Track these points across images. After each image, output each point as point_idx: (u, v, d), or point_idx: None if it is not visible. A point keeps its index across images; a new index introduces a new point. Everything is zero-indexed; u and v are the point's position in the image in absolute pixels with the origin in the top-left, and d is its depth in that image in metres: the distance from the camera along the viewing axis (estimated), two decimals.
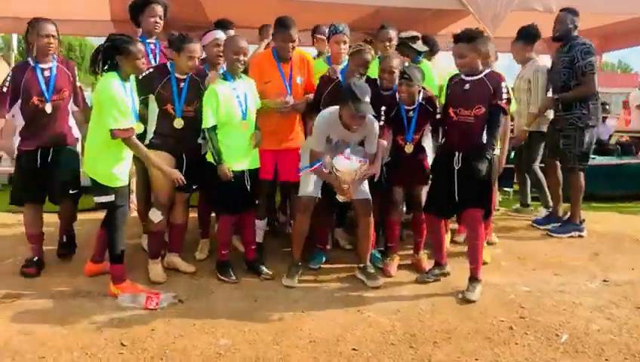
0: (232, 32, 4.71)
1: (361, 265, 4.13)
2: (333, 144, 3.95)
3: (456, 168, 3.85)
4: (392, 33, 4.72)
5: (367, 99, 3.72)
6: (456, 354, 3.06)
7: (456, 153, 3.85)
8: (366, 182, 4.05)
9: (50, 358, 2.91)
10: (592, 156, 7.00)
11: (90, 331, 3.20)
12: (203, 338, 3.15)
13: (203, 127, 3.84)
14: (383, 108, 4.09)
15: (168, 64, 3.96)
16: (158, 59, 4.31)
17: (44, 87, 3.90)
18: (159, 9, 4.25)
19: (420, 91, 4.09)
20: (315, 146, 3.97)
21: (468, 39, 3.76)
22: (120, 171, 3.64)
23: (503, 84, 3.75)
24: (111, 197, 3.62)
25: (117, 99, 3.46)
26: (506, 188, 7.16)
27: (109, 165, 3.59)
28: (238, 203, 4.02)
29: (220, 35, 4.31)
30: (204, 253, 4.54)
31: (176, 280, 4.02)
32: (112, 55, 3.54)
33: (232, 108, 3.88)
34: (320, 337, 3.21)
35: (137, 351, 3.00)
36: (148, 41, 4.26)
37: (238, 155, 3.95)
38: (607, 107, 10.26)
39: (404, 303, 3.73)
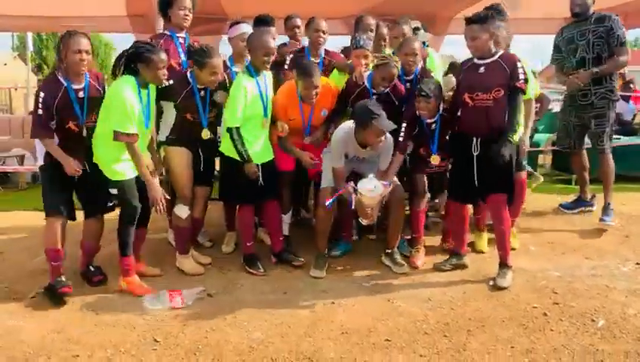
0: (273, 29, 4.56)
1: (388, 251, 4.12)
2: (349, 159, 4.00)
3: (475, 154, 3.81)
4: (406, 29, 4.61)
5: (384, 114, 3.74)
6: (491, 343, 3.02)
7: (474, 139, 3.80)
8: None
9: (84, 356, 2.91)
10: (617, 136, 6.91)
11: (123, 328, 3.21)
12: (235, 333, 3.14)
13: (230, 125, 3.83)
14: (404, 125, 4.04)
15: (189, 75, 3.92)
16: (187, 53, 4.24)
17: (78, 111, 3.59)
18: (188, 2, 4.17)
19: (439, 103, 4.01)
20: (334, 163, 3.96)
21: (479, 20, 3.67)
22: (122, 167, 3.62)
23: (519, 65, 3.68)
24: (114, 191, 3.64)
25: (126, 103, 3.46)
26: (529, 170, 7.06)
27: (111, 160, 3.60)
28: (254, 192, 4.00)
29: (248, 29, 4.28)
30: (230, 246, 4.54)
31: (206, 274, 4.02)
32: (134, 61, 3.55)
33: (256, 105, 3.89)
34: (352, 328, 3.19)
35: (171, 346, 3.00)
36: (177, 35, 4.21)
37: (255, 150, 3.95)
38: (631, 86, 10.05)
39: (435, 291, 3.69)
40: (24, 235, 4.92)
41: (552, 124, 7.94)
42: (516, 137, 3.74)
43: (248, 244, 4.11)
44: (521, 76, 3.66)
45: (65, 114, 3.53)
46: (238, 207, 4.22)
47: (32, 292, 3.64)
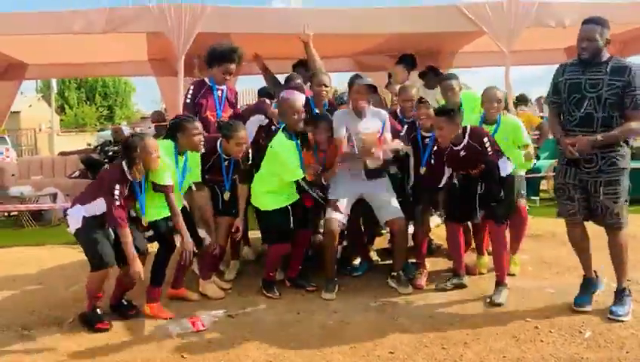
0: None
1: (394, 273, 4.46)
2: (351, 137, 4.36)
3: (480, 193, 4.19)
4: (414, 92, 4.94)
5: (369, 80, 4.33)
6: (484, 353, 3.33)
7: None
8: (396, 203, 4.41)
9: None
10: None
11: (152, 345, 3.57)
12: (254, 348, 3.48)
13: (295, 178, 4.27)
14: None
15: (218, 144, 4.33)
16: (223, 106, 4.71)
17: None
18: (233, 67, 4.61)
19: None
20: (337, 134, 4.38)
21: (446, 113, 4.04)
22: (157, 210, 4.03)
23: (485, 140, 4.05)
24: (150, 232, 4.06)
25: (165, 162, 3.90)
26: (533, 197, 7.37)
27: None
28: (287, 233, 4.38)
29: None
30: (232, 273, 4.88)
31: (227, 298, 4.39)
32: (173, 131, 4.04)
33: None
34: (359, 343, 3.52)
35: (197, 361, 3.36)
36: (217, 87, 4.66)
37: (286, 197, 4.39)
38: None
39: (437, 309, 4.01)
40: (60, 266, 5.34)
41: (554, 149, 8.24)
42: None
43: (271, 274, 4.46)
44: (489, 150, 4.03)
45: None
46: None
47: (71, 318, 4.01)
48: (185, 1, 5.68)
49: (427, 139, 4.48)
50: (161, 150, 3.86)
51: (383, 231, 5.60)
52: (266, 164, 4.35)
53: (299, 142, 4.38)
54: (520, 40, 6.19)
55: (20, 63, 8.18)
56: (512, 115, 4.98)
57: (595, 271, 4.02)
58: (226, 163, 4.41)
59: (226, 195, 4.47)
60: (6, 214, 7.60)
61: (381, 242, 5.68)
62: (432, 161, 4.42)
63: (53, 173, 8.59)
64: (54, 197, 7.41)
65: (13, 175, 8.27)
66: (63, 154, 9.32)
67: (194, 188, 4.33)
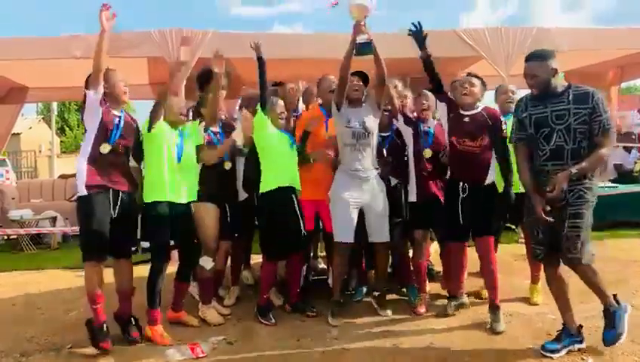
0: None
1: (375, 294, 4.53)
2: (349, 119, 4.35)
3: (462, 196, 4.17)
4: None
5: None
6: None
7: (461, 183, 4.18)
8: (387, 226, 4.38)
9: None
10: (614, 185, 7.24)
11: None
12: None
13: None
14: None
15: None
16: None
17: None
18: (224, 81, 4.66)
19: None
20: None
21: (476, 75, 4.30)
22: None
23: (503, 118, 4.24)
24: (146, 244, 4.04)
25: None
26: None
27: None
28: (287, 246, 4.35)
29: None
30: (232, 299, 4.87)
31: (226, 324, 4.35)
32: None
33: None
34: None
35: None
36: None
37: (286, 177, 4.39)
38: (633, 136, 10.32)
39: (438, 335, 3.99)
40: (59, 291, 5.32)
41: None
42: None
43: (264, 296, 4.43)
44: (504, 126, 4.15)
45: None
46: (262, 262, 4.52)
47: (69, 344, 3.98)
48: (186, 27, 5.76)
49: (428, 128, 4.58)
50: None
51: None
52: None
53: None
54: (517, 64, 6.26)
55: (22, 87, 8.27)
56: None
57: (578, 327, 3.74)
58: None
59: (227, 165, 4.52)
60: (5, 237, 7.59)
61: None
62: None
63: (53, 197, 8.60)
64: (54, 220, 7.40)
65: (13, 198, 8.28)
66: (63, 177, 9.33)
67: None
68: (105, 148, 3.81)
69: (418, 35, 4.30)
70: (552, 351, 3.57)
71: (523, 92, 4.87)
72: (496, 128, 4.14)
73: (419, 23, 4.29)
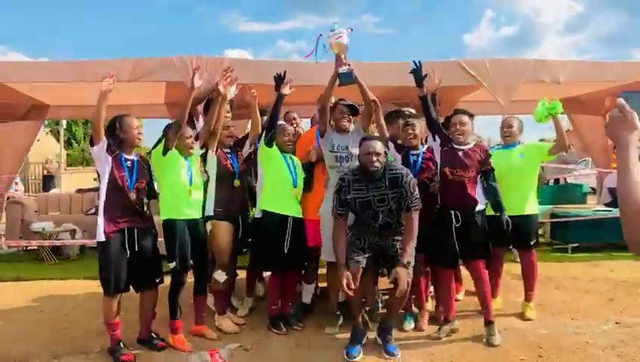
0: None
1: (367, 308, 4.72)
2: (338, 152, 4.67)
3: (456, 226, 4.45)
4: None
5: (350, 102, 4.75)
6: None
7: (453, 212, 4.46)
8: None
9: None
10: (609, 209, 7.57)
11: None
12: None
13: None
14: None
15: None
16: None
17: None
18: (227, 106, 5.04)
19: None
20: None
21: (468, 114, 4.63)
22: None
23: (490, 155, 4.57)
24: (172, 264, 4.36)
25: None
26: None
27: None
28: (285, 261, 4.64)
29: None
30: (245, 309, 5.19)
31: (241, 332, 4.67)
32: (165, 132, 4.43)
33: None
34: None
35: None
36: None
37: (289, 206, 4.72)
38: None
39: (438, 347, 4.30)
40: (82, 300, 5.65)
41: (552, 196, 8.63)
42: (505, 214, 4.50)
43: (273, 308, 4.74)
44: (490, 164, 4.53)
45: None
46: (270, 275, 4.86)
47: (97, 348, 4.31)
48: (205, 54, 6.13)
49: (417, 157, 4.81)
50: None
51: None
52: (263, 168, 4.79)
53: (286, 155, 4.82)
54: (516, 92, 6.60)
55: (42, 104, 8.60)
56: None
57: None
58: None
59: (236, 183, 4.81)
60: (24, 248, 7.93)
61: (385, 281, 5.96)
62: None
63: (71, 210, 8.94)
64: (73, 233, 7.74)
65: (35, 211, 8.63)
66: (80, 191, 9.68)
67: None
68: (132, 196, 4.14)
69: (418, 74, 4.61)
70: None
71: (521, 117, 5.28)
72: (485, 162, 4.50)
73: (419, 62, 4.62)
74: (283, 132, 4.79)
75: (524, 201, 4.89)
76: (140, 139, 4.27)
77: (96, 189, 10.03)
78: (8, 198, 8.45)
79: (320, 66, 6.62)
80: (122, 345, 4.15)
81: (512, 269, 4.96)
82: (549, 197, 8.83)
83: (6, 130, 8.42)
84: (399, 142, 4.92)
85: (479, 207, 4.48)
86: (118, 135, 4.17)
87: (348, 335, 4.36)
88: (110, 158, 4.09)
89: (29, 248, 8.03)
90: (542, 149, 4.99)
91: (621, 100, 1.55)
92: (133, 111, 10.01)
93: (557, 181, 8.86)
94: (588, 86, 7.90)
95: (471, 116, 4.69)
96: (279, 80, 4.75)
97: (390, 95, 7.88)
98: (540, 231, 8.47)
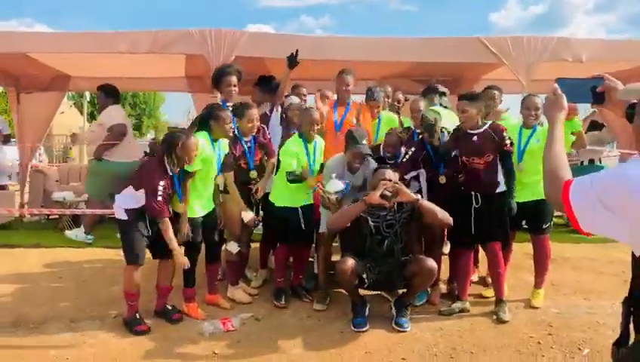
0: (295, 99, 5.63)
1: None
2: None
3: (475, 207, 4.47)
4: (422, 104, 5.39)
5: (364, 142, 4.60)
6: None
7: (473, 194, 4.48)
8: None
9: None
10: None
11: (188, 343, 3.95)
12: (278, 349, 3.86)
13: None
14: (403, 148, 4.91)
15: (236, 131, 4.75)
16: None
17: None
18: (234, 79, 5.05)
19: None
20: (324, 181, 4.67)
21: (470, 97, 4.49)
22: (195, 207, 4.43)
23: (505, 134, 4.44)
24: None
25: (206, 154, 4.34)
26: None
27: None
28: (293, 235, 4.76)
29: (296, 100, 5.33)
30: (259, 281, 5.25)
31: (253, 302, 4.75)
32: (207, 120, 4.41)
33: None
34: (374, 349, 3.87)
35: (227, 359, 3.73)
36: (227, 104, 5.10)
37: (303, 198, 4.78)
38: None
39: (447, 322, 4.33)
40: (100, 267, 5.78)
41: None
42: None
43: (279, 280, 4.81)
44: (507, 141, 4.41)
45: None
46: (277, 248, 4.94)
47: (113, 314, 4.42)
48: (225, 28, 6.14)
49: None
50: (201, 141, 4.26)
51: None
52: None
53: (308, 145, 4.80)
54: (537, 71, 6.51)
55: (65, 75, 8.71)
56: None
57: None
58: (247, 144, 4.85)
59: (252, 174, 4.88)
60: (46, 217, 8.10)
61: None
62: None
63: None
64: None
65: (57, 181, 8.78)
66: None
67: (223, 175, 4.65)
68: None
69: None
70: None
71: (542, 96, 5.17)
72: (502, 144, 4.41)
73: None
74: (310, 121, 4.76)
75: (539, 185, 4.78)
76: (194, 160, 4.22)
77: None
78: (32, 168, 8.61)
79: (333, 40, 6.64)
80: (138, 316, 4.21)
81: (527, 249, 4.91)
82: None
83: (30, 100, 8.58)
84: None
85: (499, 189, 4.46)
86: (177, 153, 4.10)
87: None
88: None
89: (50, 217, 8.19)
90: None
91: (555, 85, 1.89)
92: (153, 84, 10.24)
93: (592, 161, 8.75)
94: (612, 66, 7.75)
95: (471, 99, 4.50)
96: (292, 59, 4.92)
97: (412, 71, 7.85)
98: (558, 213, 8.41)
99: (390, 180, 4.22)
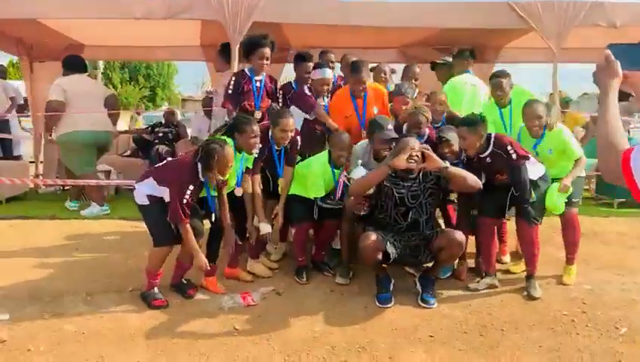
0: (311, 65, 5.29)
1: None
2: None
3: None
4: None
5: (390, 127, 4.42)
6: (521, 342, 3.49)
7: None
8: None
9: (176, 338, 3.53)
10: None
11: (207, 317, 3.83)
12: (300, 324, 3.72)
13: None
14: (427, 129, 4.65)
15: (270, 135, 4.55)
16: (261, 97, 4.99)
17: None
18: (267, 51, 4.82)
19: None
20: (351, 166, 4.56)
21: (469, 124, 4.23)
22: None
23: (509, 147, 4.18)
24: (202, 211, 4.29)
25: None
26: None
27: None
28: (320, 215, 4.65)
29: (329, 74, 5.08)
30: (279, 254, 5.10)
31: (275, 276, 4.61)
32: (232, 129, 4.22)
33: None
34: (400, 326, 3.72)
35: (247, 333, 3.60)
36: (256, 78, 4.89)
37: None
38: None
39: (475, 298, 4.17)
40: (116, 240, 5.66)
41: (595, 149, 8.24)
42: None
43: (300, 259, 4.63)
44: (514, 155, 4.15)
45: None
46: (296, 228, 4.74)
47: (130, 287, 4.30)
48: None
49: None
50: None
51: None
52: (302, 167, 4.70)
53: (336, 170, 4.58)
54: (568, 38, 6.21)
55: (78, 44, 8.54)
56: (557, 115, 5.02)
57: None
58: (277, 151, 4.63)
59: (280, 182, 4.72)
60: (63, 188, 7.99)
61: None
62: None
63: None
64: (108, 174, 7.75)
65: None
66: (115, 134, 9.65)
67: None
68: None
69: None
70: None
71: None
72: (508, 159, 4.17)
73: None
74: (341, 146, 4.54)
75: (564, 171, 4.47)
76: (227, 173, 4.06)
77: (131, 132, 10.08)
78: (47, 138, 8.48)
79: (355, 5, 6.38)
80: (157, 290, 4.09)
81: (556, 224, 4.70)
82: (592, 150, 8.44)
83: (43, 70, 8.43)
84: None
85: (537, 175, 4.28)
86: (211, 163, 3.87)
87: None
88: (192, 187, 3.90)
89: (66, 188, 8.09)
90: (570, 153, 4.50)
91: (607, 51, 1.76)
92: (167, 53, 10.05)
93: None
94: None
95: (470, 125, 4.23)
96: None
97: (434, 39, 7.56)
98: (585, 186, 8.18)
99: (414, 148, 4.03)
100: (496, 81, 4.93)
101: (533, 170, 4.25)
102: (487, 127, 4.26)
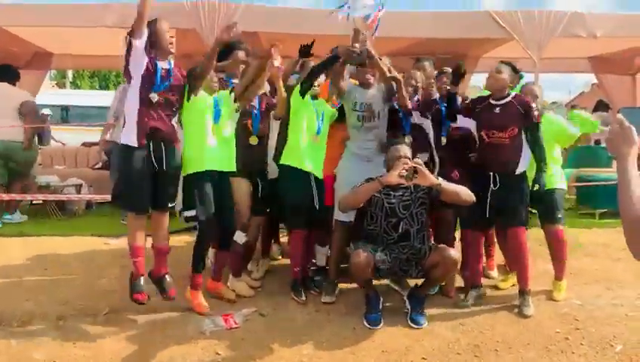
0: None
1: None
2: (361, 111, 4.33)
3: (492, 189, 4.15)
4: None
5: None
6: None
7: (492, 174, 4.15)
8: None
9: None
10: None
11: (187, 342, 3.62)
12: (287, 348, 3.55)
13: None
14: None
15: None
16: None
17: None
18: (242, 54, 4.67)
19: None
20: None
21: (508, 63, 4.24)
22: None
23: (533, 105, 4.12)
24: (191, 213, 4.02)
25: None
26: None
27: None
28: (316, 216, 4.37)
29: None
30: (261, 271, 4.88)
31: (257, 296, 4.39)
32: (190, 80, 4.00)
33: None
34: (391, 348, 3.57)
35: (231, 360, 3.41)
36: (233, 81, 4.70)
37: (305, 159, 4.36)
38: None
39: (466, 317, 4.03)
40: (89, 258, 5.37)
41: (576, 159, 8.27)
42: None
43: (295, 270, 4.39)
44: (536, 113, 4.08)
45: None
46: (294, 234, 4.50)
47: (105, 309, 4.06)
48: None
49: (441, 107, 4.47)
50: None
51: None
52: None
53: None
54: (548, 48, 6.21)
55: (46, 53, 8.27)
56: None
57: None
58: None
59: (253, 140, 4.45)
60: (31, 203, 7.66)
61: None
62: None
63: (76, 164, 8.67)
64: (79, 188, 7.46)
65: (40, 164, 8.32)
66: (86, 145, 9.38)
67: None
68: (153, 98, 3.74)
69: (455, 75, 4.25)
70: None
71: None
72: (528, 116, 4.09)
73: (462, 63, 4.28)
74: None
75: (550, 175, 4.35)
76: (172, 45, 3.89)
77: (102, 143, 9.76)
78: None
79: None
80: (142, 282, 3.83)
81: (540, 235, 4.60)
82: (573, 159, 8.45)
83: None
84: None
85: (520, 169, 4.14)
86: (151, 39, 3.74)
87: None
88: (146, 59, 3.70)
89: (34, 202, 7.76)
90: (560, 139, 4.54)
91: (621, 116, 1.67)
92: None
93: (597, 142, 8.51)
94: (618, 44, 7.46)
95: (509, 64, 4.25)
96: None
97: (413, 48, 7.49)
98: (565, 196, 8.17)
99: (407, 157, 3.91)
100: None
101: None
102: (519, 82, 4.35)
